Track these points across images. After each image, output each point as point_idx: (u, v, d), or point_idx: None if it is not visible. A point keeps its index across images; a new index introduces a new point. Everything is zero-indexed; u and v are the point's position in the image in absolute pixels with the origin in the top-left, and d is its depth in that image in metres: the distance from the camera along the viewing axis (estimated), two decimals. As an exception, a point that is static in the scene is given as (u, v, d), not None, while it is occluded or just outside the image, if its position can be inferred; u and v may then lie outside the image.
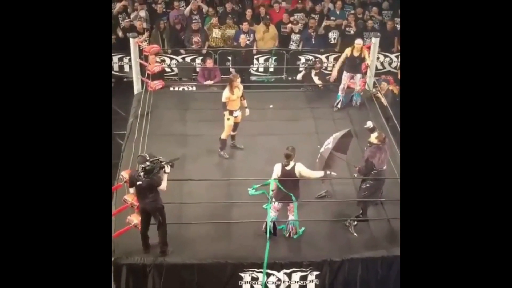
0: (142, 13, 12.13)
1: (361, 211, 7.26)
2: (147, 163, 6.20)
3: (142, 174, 6.18)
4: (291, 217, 6.96)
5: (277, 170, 6.78)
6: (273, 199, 6.85)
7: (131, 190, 6.46)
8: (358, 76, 9.51)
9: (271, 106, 9.56)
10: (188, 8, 12.25)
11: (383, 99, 9.39)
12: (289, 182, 6.74)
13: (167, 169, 6.35)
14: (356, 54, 9.29)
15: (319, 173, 6.97)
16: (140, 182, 6.22)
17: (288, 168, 6.74)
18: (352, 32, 11.93)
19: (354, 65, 9.40)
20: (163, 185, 6.32)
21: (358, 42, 9.36)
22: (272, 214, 6.87)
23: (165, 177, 6.35)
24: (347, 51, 9.40)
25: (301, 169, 6.74)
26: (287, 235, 7.02)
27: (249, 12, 12.10)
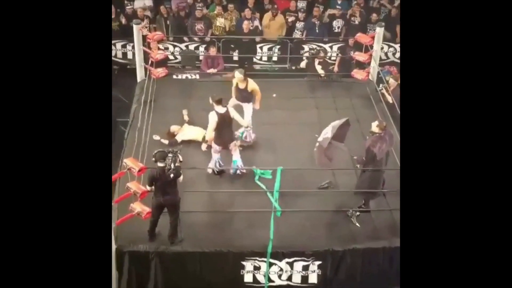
0: (147, 1, 12.07)
1: (363, 202, 7.27)
2: (170, 155, 6.22)
3: (172, 166, 6.18)
4: (235, 157, 7.59)
5: (214, 117, 7.26)
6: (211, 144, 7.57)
7: (149, 188, 6.46)
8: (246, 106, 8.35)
9: (274, 95, 9.53)
10: None
11: (389, 98, 9.15)
12: (226, 125, 7.35)
13: (181, 157, 6.43)
14: (241, 86, 8.17)
15: (245, 122, 7.80)
16: (172, 175, 6.22)
17: (222, 112, 7.29)
18: (356, 22, 11.87)
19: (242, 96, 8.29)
20: (181, 176, 6.42)
21: (237, 74, 8.10)
22: (217, 155, 7.57)
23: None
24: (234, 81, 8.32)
25: (234, 113, 7.45)
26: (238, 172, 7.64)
27: (251, 0, 12.03)
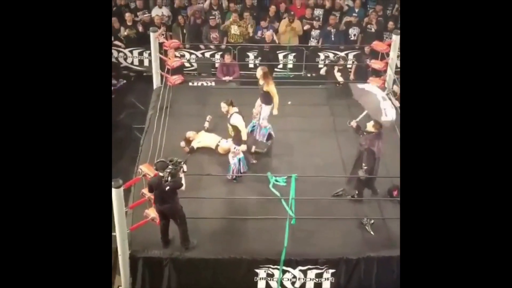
0: (164, 11, 12.19)
1: (356, 192, 7.38)
2: (170, 167, 6.25)
3: (168, 178, 6.23)
4: (234, 160, 7.64)
5: (240, 117, 7.50)
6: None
7: (149, 194, 6.49)
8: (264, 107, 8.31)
9: (289, 102, 9.52)
10: (207, 3, 12.25)
11: (396, 103, 9.14)
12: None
13: (185, 168, 6.47)
14: (260, 82, 8.20)
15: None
16: (168, 187, 6.26)
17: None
18: (373, 29, 11.85)
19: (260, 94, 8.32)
20: (184, 185, 6.44)
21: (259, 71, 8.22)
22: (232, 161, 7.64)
23: (183, 176, 6.44)
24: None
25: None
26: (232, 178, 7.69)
27: (272, 9, 12.08)
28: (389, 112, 7.12)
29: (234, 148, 7.64)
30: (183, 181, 6.42)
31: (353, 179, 7.44)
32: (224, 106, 7.47)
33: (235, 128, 7.51)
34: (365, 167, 7.14)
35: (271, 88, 8.08)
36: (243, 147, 7.64)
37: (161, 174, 6.28)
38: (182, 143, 8.30)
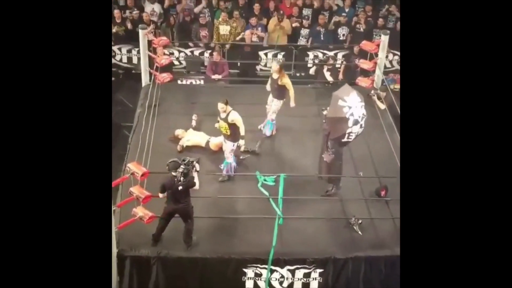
0: (156, 7, 12.12)
1: (332, 187, 7.55)
2: (182, 167, 6.27)
3: (182, 179, 6.27)
4: (228, 159, 7.70)
5: (237, 114, 7.47)
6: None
7: (161, 195, 6.49)
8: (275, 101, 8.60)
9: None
10: (200, 7, 12.19)
11: (381, 105, 9.23)
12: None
13: (198, 167, 6.54)
14: (274, 76, 8.44)
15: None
16: (180, 187, 6.30)
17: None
18: (362, 29, 11.88)
19: (273, 88, 8.57)
20: (197, 184, 6.51)
21: (274, 64, 8.56)
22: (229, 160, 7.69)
23: (196, 175, 6.50)
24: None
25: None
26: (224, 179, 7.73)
27: (256, 7, 12.05)
28: (353, 134, 7.01)
29: (233, 145, 7.66)
30: (196, 180, 6.46)
31: (321, 167, 7.54)
32: (221, 106, 7.44)
33: (233, 126, 7.50)
34: (332, 150, 7.24)
35: (286, 81, 8.27)
36: (242, 141, 7.75)
37: (173, 174, 6.29)
38: (179, 147, 8.27)
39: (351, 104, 6.83)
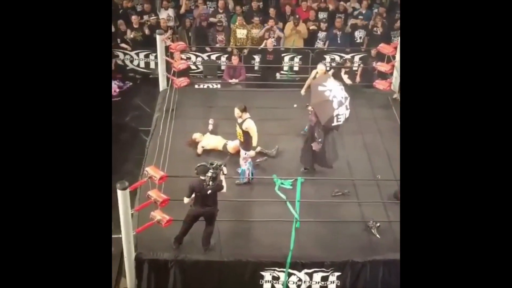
0: (170, 12, 12.22)
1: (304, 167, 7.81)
2: (211, 171, 6.32)
3: (210, 183, 6.31)
4: (246, 165, 7.62)
5: (252, 122, 7.42)
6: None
7: (186, 200, 6.51)
8: None
9: (295, 105, 9.52)
10: (218, 17, 12.24)
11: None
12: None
13: (225, 170, 6.57)
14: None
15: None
16: (210, 191, 6.35)
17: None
18: (379, 32, 11.84)
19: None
20: (225, 187, 6.56)
21: (321, 67, 8.76)
22: (245, 166, 7.62)
23: (223, 178, 6.54)
24: (314, 73, 8.91)
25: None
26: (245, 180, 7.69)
27: (272, 11, 12.07)
28: (341, 116, 7.26)
29: (245, 153, 7.64)
30: (223, 184, 6.51)
31: (305, 155, 7.76)
32: (237, 112, 7.44)
33: (246, 133, 7.48)
34: (319, 140, 7.39)
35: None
36: (252, 153, 7.65)
37: (202, 178, 6.33)
38: (199, 150, 8.28)
39: (331, 87, 7.22)
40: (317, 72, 8.67)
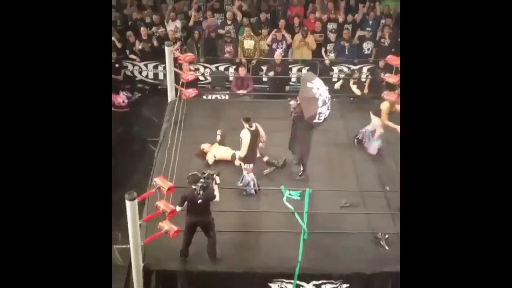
0: (178, 24, 12.30)
1: (302, 169, 8.02)
2: (202, 180, 6.31)
3: (201, 192, 6.30)
4: (250, 176, 7.67)
5: (247, 135, 7.47)
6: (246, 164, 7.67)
7: (178, 208, 6.48)
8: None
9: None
10: (226, 29, 12.29)
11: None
12: (255, 142, 7.58)
13: (218, 180, 6.57)
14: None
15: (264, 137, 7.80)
16: (200, 201, 6.33)
17: (253, 129, 7.54)
18: (386, 43, 11.85)
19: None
20: (218, 197, 6.54)
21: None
22: (249, 177, 7.68)
23: (216, 188, 6.53)
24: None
25: (261, 129, 7.69)
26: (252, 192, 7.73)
27: (281, 22, 12.13)
28: (322, 115, 7.52)
29: (245, 165, 7.66)
30: (216, 193, 6.50)
31: (296, 152, 7.98)
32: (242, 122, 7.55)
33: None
34: (304, 138, 7.71)
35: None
36: (247, 165, 7.69)
37: (193, 187, 6.33)
38: (211, 161, 8.31)
39: (318, 86, 7.50)
40: None
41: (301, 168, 8.10)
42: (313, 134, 7.89)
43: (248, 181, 7.72)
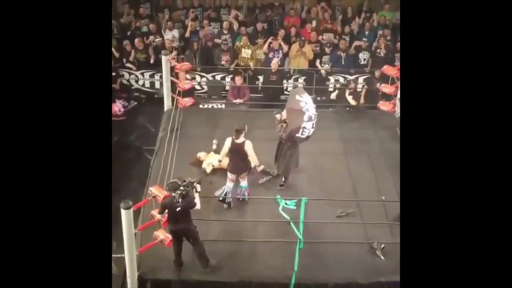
0: (175, 33, 12.33)
1: (283, 179, 7.99)
2: (181, 188, 6.28)
3: (180, 200, 6.25)
4: (243, 183, 7.65)
5: (228, 143, 7.40)
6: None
7: (158, 216, 6.47)
8: None
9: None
10: (223, 37, 12.33)
11: None
12: (239, 155, 7.40)
13: (198, 188, 6.49)
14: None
15: (256, 161, 7.56)
16: (179, 208, 6.29)
17: (238, 141, 7.36)
18: (382, 54, 11.91)
19: None
20: (198, 205, 6.46)
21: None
22: (229, 184, 7.62)
23: (197, 196, 6.47)
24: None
25: (248, 148, 7.38)
26: (240, 199, 7.71)
27: (281, 32, 12.18)
28: (306, 131, 7.47)
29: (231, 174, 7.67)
30: (196, 201, 6.44)
31: (282, 164, 7.90)
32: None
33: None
34: (289, 151, 7.72)
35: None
36: (229, 175, 7.66)
37: (173, 194, 6.29)
38: (209, 169, 8.30)
39: (306, 101, 7.54)
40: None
41: (283, 179, 8.08)
42: (298, 151, 7.84)
43: (243, 187, 7.71)
